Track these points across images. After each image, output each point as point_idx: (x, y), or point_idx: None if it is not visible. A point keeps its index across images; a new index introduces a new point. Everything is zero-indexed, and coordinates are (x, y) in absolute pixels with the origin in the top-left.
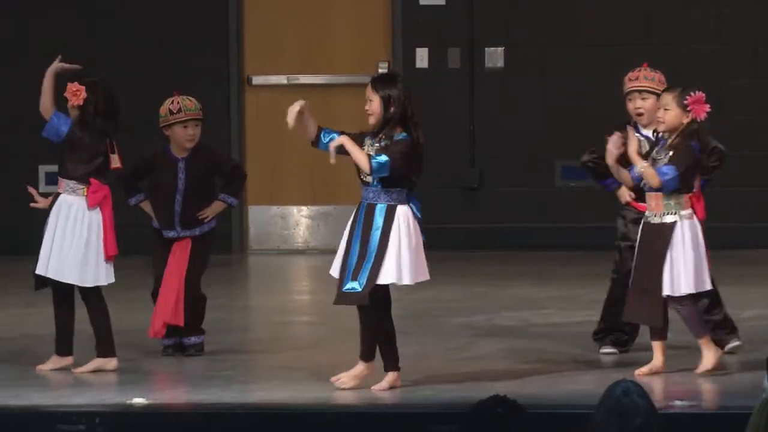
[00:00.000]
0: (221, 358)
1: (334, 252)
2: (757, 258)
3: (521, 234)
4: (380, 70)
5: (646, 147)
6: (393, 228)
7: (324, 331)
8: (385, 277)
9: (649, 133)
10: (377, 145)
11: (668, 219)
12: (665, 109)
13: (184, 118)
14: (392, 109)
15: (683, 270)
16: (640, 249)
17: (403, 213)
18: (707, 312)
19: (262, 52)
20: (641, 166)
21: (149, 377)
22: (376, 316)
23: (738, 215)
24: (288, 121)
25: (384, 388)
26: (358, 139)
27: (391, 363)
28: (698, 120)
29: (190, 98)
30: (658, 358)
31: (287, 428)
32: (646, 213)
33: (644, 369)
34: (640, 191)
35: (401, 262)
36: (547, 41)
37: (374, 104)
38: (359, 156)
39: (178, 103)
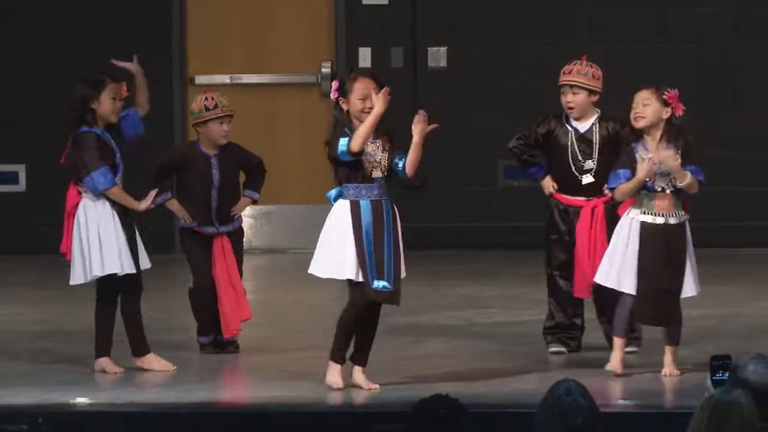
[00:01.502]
0: (168, 356)
1: (277, 251)
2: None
3: (465, 233)
4: (323, 70)
5: (572, 140)
6: (398, 225)
7: (269, 330)
8: (403, 273)
9: (578, 125)
10: (379, 141)
11: (675, 220)
12: (644, 105)
13: (220, 114)
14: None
15: (690, 272)
16: (656, 249)
17: (397, 210)
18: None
19: (205, 51)
20: (688, 175)
21: (93, 377)
22: (377, 317)
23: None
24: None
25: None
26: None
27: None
28: (678, 115)
29: (223, 95)
30: (619, 354)
31: (232, 429)
32: (656, 212)
33: (675, 370)
34: (565, 183)
35: (402, 259)
36: (489, 41)
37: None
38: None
39: (213, 99)
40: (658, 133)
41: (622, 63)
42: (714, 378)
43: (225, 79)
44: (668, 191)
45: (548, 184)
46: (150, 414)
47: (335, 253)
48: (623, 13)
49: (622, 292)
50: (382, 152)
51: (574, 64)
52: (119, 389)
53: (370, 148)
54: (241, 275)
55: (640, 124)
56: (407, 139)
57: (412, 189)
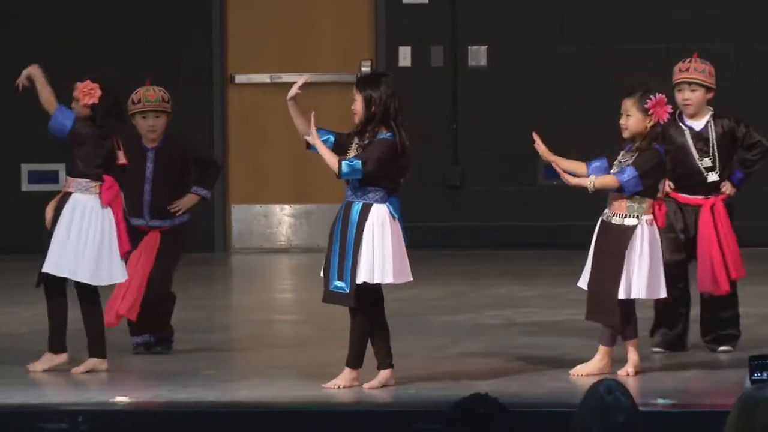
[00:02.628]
0: (204, 356)
1: (316, 250)
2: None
3: (504, 232)
4: (363, 69)
5: (688, 139)
6: (366, 227)
7: (307, 329)
8: (362, 276)
9: (693, 123)
10: (361, 144)
11: (629, 222)
12: (627, 116)
13: (142, 109)
14: (374, 109)
15: (637, 275)
16: (597, 248)
17: (378, 212)
18: None
19: (245, 50)
20: (590, 181)
21: (131, 376)
22: (365, 316)
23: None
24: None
25: (375, 386)
26: (348, 139)
27: (387, 360)
28: (661, 122)
29: (156, 89)
30: (633, 358)
31: (270, 427)
32: (606, 212)
33: (630, 369)
34: (684, 182)
35: (375, 261)
36: (530, 40)
37: (357, 104)
38: (328, 158)
39: (139, 93)
40: (638, 141)
41: (658, 64)
42: (753, 378)
43: (265, 78)
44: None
45: (665, 184)
46: (188, 413)
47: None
48: (661, 12)
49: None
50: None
51: (690, 62)
52: (157, 388)
53: (352, 150)
54: (170, 273)
55: (624, 134)
56: (441, 139)
57: None
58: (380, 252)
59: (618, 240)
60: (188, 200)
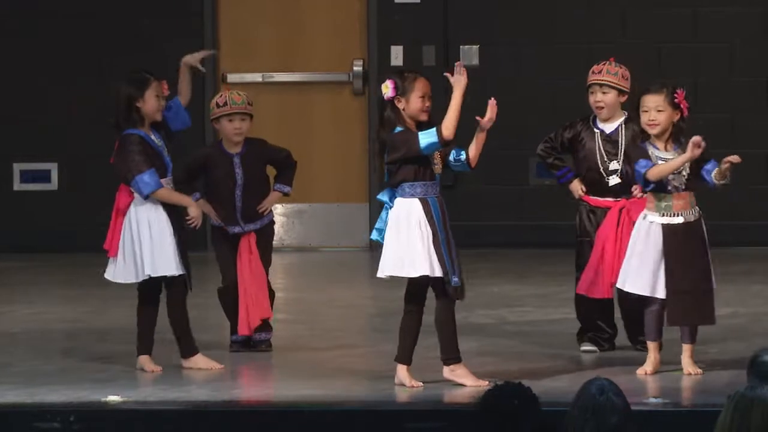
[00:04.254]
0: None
1: (308, 250)
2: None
3: (496, 232)
4: (355, 69)
5: (598, 140)
6: (447, 220)
7: (300, 328)
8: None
9: (605, 126)
10: None
11: (693, 217)
12: (658, 111)
13: (229, 112)
14: None
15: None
16: (680, 250)
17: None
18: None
19: (237, 49)
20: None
21: (124, 375)
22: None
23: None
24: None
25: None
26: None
27: (455, 353)
28: (685, 118)
29: (240, 92)
30: (656, 356)
31: (262, 426)
32: (674, 212)
33: (649, 368)
34: (593, 185)
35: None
36: (521, 39)
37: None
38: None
39: (224, 96)
40: (665, 136)
41: (653, 61)
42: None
43: (257, 77)
44: (681, 189)
45: (577, 187)
46: (181, 412)
47: (412, 252)
48: (654, 11)
49: (647, 297)
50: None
51: (604, 64)
52: (151, 387)
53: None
54: (267, 273)
55: (654, 131)
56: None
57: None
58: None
59: (694, 237)
60: (273, 198)
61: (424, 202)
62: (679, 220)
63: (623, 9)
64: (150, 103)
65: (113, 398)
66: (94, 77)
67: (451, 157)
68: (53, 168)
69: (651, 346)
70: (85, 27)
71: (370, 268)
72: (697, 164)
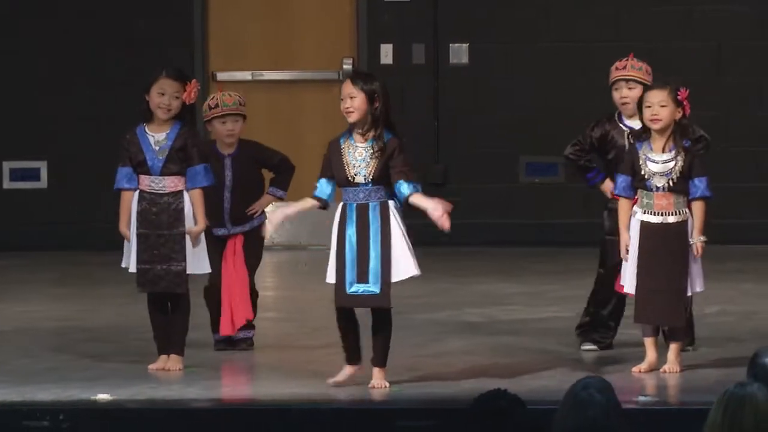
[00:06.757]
0: (185, 354)
1: (298, 248)
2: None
3: (486, 230)
4: (345, 67)
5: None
6: (392, 224)
7: (289, 327)
8: (400, 273)
9: (632, 123)
10: (371, 148)
11: (675, 218)
12: (661, 106)
13: (220, 113)
14: (377, 105)
15: (696, 269)
16: (654, 249)
17: (394, 207)
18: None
19: (226, 48)
20: (697, 239)
21: (113, 374)
22: (388, 317)
23: None
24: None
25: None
26: (336, 152)
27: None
28: (686, 115)
29: (232, 93)
30: (652, 355)
31: (252, 424)
32: (655, 211)
33: (643, 366)
34: None
35: (408, 254)
36: (511, 37)
37: (357, 101)
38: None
39: (215, 98)
40: (667, 134)
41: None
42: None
43: (246, 75)
44: (666, 190)
45: (609, 188)
46: (169, 410)
47: (331, 258)
48: (646, 10)
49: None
50: (371, 159)
51: (627, 60)
52: (139, 386)
53: (356, 152)
54: (253, 274)
55: (656, 126)
56: (422, 137)
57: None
58: (406, 245)
59: (682, 236)
60: (265, 201)
61: (343, 208)
62: (657, 219)
63: (616, 7)
64: (152, 99)
65: (103, 397)
66: (84, 75)
67: (396, 188)
68: (43, 166)
69: (647, 342)
70: (75, 26)
71: None
72: (689, 172)
